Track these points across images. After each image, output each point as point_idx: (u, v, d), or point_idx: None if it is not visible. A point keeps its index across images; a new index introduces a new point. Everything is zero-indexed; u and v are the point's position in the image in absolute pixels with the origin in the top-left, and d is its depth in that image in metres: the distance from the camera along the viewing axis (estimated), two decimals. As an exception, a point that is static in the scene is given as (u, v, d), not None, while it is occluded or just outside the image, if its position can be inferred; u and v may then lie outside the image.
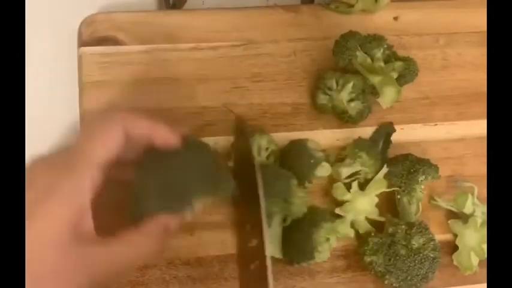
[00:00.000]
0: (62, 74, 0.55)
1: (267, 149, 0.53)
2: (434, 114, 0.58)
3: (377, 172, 0.54)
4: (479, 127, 0.58)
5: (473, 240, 0.53)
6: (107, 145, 0.41)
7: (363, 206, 0.53)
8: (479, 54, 0.61)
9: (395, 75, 0.54)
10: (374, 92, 0.55)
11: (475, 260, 0.53)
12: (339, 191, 0.53)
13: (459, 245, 0.54)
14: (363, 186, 0.54)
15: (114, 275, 0.42)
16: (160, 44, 0.55)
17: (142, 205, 0.43)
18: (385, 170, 0.53)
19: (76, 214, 0.39)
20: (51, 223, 0.38)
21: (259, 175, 0.46)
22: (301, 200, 0.50)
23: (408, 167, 0.53)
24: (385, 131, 0.56)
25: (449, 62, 0.60)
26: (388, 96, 0.55)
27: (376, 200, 0.53)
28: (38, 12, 0.56)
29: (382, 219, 0.53)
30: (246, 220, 0.46)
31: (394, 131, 0.56)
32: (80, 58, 0.53)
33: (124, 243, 0.42)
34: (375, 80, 0.54)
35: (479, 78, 0.60)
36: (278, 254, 0.51)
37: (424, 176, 0.53)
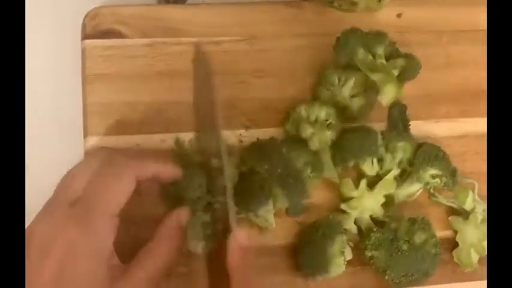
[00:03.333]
0: (65, 66, 0.55)
1: (326, 120, 0.52)
2: (437, 112, 0.58)
3: (413, 150, 0.54)
4: (481, 125, 0.58)
5: (474, 237, 0.53)
6: (120, 196, 0.42)
7: (369, 204, 0.53)
8: (482, 53, 0.60)
9: (396, 72, 0.54)
10: (375, 88, 0.55)
11: (475, 257, 0.53)
12: (348, 187, 0.53)
13: (459, 242, 0.54)
14: (371, 186, 0.53)
15: None
16: (163, 37, 0.55)
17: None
18: (395, 171, 0.53)
19: (104, 263, 0.40)
20: (86, 281, 0.39)
21: (219, 104, 0.45)
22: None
23: (436, 154, 0.53)
24: (398, 111, 0.56)
25: (452, 59, 0.60)
26: (388, 93, 0.55)
27: (383, 200, 0.53)
28: (42, 5, 0.56)
29: (387, 219, 0.53)
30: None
31: (406, 107, 0.56)
32: (83, 51, 0.53)
33: (144, 258, 0.43)
34: (376, 77, 0.54)
35: (481, 76, 0.59)
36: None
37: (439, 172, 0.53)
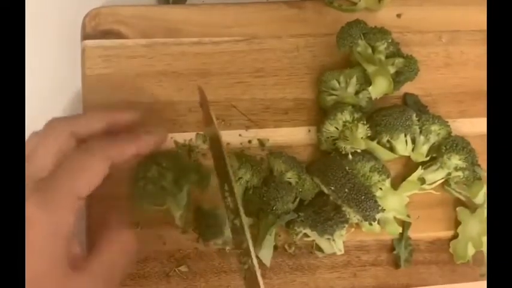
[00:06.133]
0: (65, 66, 0.55)
1: (353, 119, 0.52)
2: (436, 112, 0.58)
3: (447, 129, 0.55)
4: (481, 125, 0.58)
5: (475, 231, 0.53)
6: (90, 180, 0.41)
7: (392, 204, 0.53)
8: (481, 53, 0.60)
9: (392, 69, 0.55)
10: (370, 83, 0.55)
11: (470, 250, 0.53)
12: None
13: (460, 233, 0.53)
14: (395, 185, 0.53)
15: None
16: (163, 38, 0.55)
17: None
18: (419, 171, 0.53)
19: (63, 242, 0.40)
20: (45, 259, 0.39)
21: (229, 165, 0.45)
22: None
23: (464, 146, 0.54)
24: (413, 101, 0.57)
25: (452, 59, 0.60)
26: (379, 87, 0.54)
27: (407, 200, 0.53)
28: (42, 5, 0.56)
29: (411, 220, 0.53)
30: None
31: (417, 96, 0.57)
32: (83, 51, 0.53)
33: (103, 250, 0.42)
34: (370, 69, 0.54)
35: (481, 77, 0.59)
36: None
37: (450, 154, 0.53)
